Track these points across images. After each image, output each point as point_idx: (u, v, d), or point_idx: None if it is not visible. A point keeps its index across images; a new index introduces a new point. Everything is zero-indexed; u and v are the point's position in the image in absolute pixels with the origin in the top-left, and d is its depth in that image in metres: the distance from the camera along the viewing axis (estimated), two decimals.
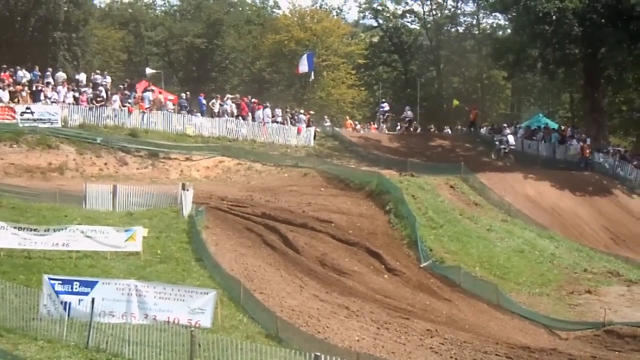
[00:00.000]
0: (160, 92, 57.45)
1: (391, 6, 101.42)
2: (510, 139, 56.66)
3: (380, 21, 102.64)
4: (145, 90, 55.42)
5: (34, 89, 50.23)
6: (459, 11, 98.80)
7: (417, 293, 33.33)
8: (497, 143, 57.31)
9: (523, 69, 66.32)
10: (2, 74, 50.68)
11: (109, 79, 55.82)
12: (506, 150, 56.09)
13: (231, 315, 25.93)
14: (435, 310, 31.38)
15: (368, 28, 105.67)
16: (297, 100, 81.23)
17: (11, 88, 49.19)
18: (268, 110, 57.49)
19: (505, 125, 60.77)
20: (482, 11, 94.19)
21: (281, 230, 37.28)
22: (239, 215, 39.05)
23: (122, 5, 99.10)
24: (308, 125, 58.46)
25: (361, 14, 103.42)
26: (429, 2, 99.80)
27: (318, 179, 48.17)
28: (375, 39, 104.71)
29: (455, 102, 75.56)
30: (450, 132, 73.73)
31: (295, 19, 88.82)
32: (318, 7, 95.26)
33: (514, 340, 28.60)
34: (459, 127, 76.81)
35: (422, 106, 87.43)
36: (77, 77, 56.62)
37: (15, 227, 30.41)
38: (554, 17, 56.72)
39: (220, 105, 56.53)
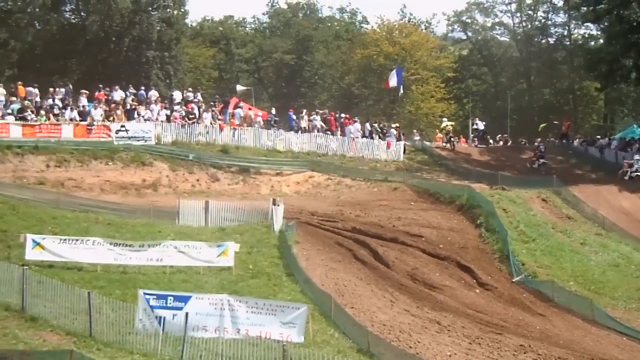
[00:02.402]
0: (250, 109, 58.05)
1: (480, 19, 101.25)
2: None
3: (470, 34, 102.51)
4: (235, 106, 56.07)
5: (128, 107, 51.25)
6: (549, 22, 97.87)
7: (510, 308, 32.92)
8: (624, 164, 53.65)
9: (616, 79, 65.07)
10: (98, 93, 51.90)
11: (199, 97, 56.60)
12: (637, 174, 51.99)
13: (322, 329, 25.98)
14: (528, 325, 30.94)
15: (457, 41, 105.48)
16: (387, 114, 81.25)
17: (106, 107, 50.29)
18: (357, 125, 57.64)
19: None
20: (574, 22, 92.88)
21: (371, 244, 37.25)
22: (329, 230, 39.18)
23: (213, 23, 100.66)
24: (399, 139, 58.39)
25: (450, 27, 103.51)
26: (518, 14, 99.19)
27: (408, 193, 48.04)
28: (465, 52, 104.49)
29: (542, 125, 75.06)
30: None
31: (384, 33, 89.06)
32: (406, 21, 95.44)
33: (610, 357, 28.01)
34: (551, 139, 75.83)
35: (513, 119, 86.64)
36: (171, 94, 57.67)
37: (111, 243, 31.13)
38: None
39: (309, 120, 56.88)
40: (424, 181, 50.43)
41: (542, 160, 56.56)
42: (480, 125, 69.03)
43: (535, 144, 59.71)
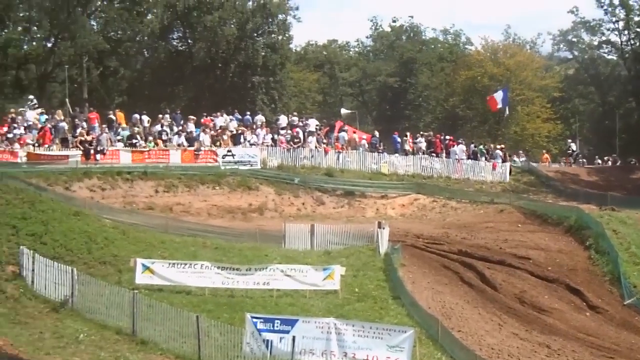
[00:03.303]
0: (354, 132, 58.30)
1: (587, 37, 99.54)
2: None
3: (576, 53, 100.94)
4: (340, 130, 56.39)
5: (234, 132, 51.99)
6: None
7: (622, 331, 32.21)
8: None
9: None
10: (205, 119, 52.81)
11: (311, 122, 56.87)
12: None
13: (429, 353, 25.84)
14: None
15: (563, 60, 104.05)
16: (492, 135, 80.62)
17: (213, 132, 51.14)
18: (462, 147, 57.36)
19: None
20: None
21: (478, 267, 36.94)
22: (435, 252, 38.99)
23: (317, 47, 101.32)
24: (504, 160, 57.87)
25: (555, 47, 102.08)
26: (626, 32, 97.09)
27: (515, 215, 47.39)
28: (571, 71, 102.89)
29: None
30: None
31: (488, 54, 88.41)
32: (511, 42, 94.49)
33: None
34: None
35: (622, 138, 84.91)
36: (277, 119, 58.38)
37: (218, 267, 31.60)
38: None
39: (414, 142, 56.83)
40: (531, 202, 49.64)
41: (576, 154, 65.93)
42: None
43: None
